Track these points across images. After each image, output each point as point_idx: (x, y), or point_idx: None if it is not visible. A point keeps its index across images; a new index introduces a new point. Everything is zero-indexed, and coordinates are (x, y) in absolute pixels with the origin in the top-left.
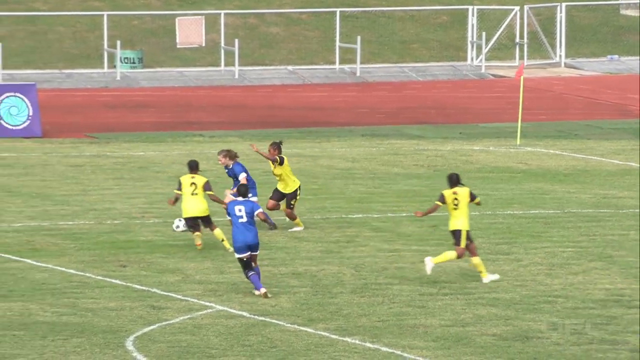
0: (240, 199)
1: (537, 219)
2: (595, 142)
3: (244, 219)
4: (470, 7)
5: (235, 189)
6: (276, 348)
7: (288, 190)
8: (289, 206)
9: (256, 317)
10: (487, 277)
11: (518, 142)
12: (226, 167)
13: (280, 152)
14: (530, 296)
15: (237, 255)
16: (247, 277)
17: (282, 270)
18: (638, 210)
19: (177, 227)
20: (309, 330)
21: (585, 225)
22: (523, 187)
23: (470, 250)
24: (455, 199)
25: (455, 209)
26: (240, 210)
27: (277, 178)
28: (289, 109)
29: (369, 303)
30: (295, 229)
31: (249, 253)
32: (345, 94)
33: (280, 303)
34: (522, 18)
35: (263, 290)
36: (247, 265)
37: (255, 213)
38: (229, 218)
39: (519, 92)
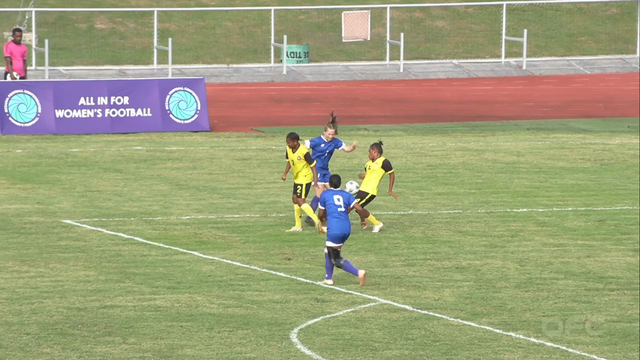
0: (335, 188)
1: None
2: None
3: (342, 209)
4: None
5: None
6: (439, 342)
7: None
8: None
9: (419, 310)
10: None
11: None
12: (325, 141)
13: (381, 152)
14: None
15: (331, 245)
16: (339, 265)
17: (446, 264)
18: None
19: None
20: (472, 324)
21: None
22: None
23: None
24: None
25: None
26: (339, 200)
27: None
28: (453, 102)
29: (534, 298)
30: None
31: (342, 243)
32: (510, 88)
33: (443, 297)
34: None
35: (362, 272)
36: (337, 254)
37: (352, 205)
38: (322, 207)
39: None
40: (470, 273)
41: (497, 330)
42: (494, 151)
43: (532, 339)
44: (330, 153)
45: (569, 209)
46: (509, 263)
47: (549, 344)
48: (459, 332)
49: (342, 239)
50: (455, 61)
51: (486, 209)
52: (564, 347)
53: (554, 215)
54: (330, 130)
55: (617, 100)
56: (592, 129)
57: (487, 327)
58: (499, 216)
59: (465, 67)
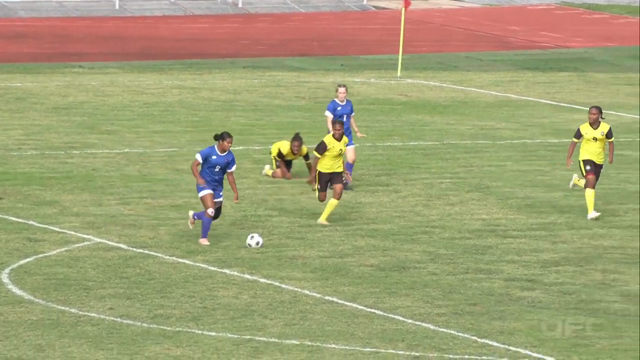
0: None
1: (416, 151)
2: (474, 73)
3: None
4: None
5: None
6: (154, 280)
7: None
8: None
9: (134, 249)
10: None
11: (399, 74)
12: (340, 103)
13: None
14: (408, 227)
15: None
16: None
17: (162, 202)
18: (515, 141)
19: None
20: (187, 262)
21: (463, 156)
22: (403, 119)
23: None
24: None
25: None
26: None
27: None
28: (170, 40)
29: (248, 235)
30: None
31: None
32: (227, 26)
33: (159, 235)
34: None
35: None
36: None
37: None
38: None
39: (400, 24)
40: (187, 211)
41: (212, 268)
42: (211, 89)
43: (247, 276)
44: (348, 116)
45: None
46: (225, 201)
47: (262, 280)
48: (174, 269)
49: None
50: None
51: (203, 146)
52: (277, 283)
53: (270, 153)
54: (342, 89)
55: (331, 38)
56: (307, 67)
57: (202, 265)
58: None
59: (181, 4)
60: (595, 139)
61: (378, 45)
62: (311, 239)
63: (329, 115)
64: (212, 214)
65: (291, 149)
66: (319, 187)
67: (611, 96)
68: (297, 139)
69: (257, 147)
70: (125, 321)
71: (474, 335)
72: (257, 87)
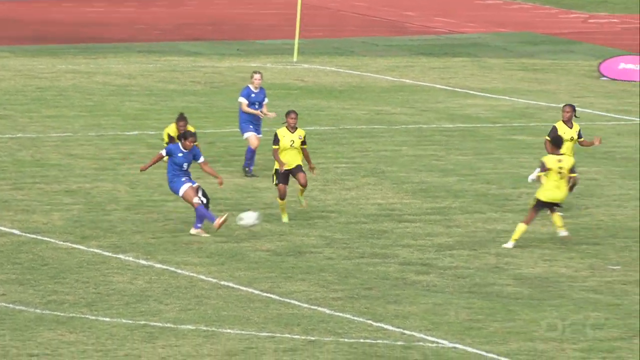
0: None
1: (312, 136)
2: (370, 58)
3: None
4: None
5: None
6: (48, 265)
7: None
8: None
9: (27, 234)
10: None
11: (295, 59)
12: (254, 90)
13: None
14: (304, 212)
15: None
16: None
17: (55, 187)
18: (410, 126)
19: None
20: (81, 247)
21: (359, 141)
22: (299, 104)
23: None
24: None
25: None
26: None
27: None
28: (64, 24)
29: (144, 220)
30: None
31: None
32: (123, 10)
33: (52, 221)
34: None
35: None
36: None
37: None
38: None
39: (296, 9)
40: (80, 196)
41: (107, 253)
42: (105, 73)
43: (142, 261)
44: (261, 104)
45: None
46: (120, 185)
47: (158, 265)
48: (67, 255)
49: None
50: None
51: (97, 131)
52: (173, 268)
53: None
54: (257, 76)
55: (226, 23)
56: (202, 52)
57: (97, 250)
58: (110, 139)
59: None
60: (572, 138)
61: (274, 30)
62: (207, 224)
63: (243, 101)
64: (200, 201)
65: (177, 129)
66: (277, 182)
67: (504, 81)
68: (181, 119)
69: (151, 132)
70: (17, 307)
71: (369, 319)
72: (152, 72)
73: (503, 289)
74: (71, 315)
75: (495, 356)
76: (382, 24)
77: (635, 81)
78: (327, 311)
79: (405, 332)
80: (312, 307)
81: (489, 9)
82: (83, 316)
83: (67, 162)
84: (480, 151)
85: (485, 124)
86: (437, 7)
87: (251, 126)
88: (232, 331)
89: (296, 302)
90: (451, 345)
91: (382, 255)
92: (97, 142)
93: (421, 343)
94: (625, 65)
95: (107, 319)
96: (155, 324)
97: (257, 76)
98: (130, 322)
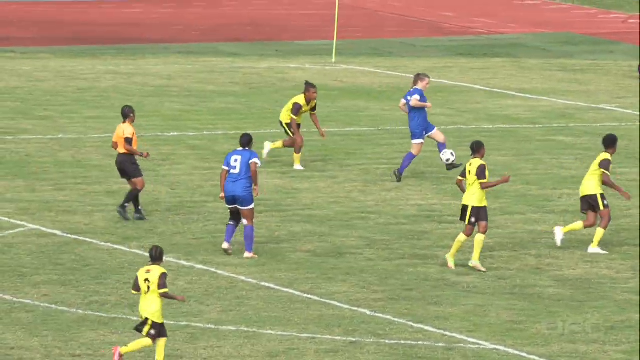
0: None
1: (352, 137)
2: (408, 59)
3: (237, 171)
4: None
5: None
6: (90, 266)
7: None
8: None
9: (69, 235)
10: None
11: (333, 60)
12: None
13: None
14: (344, 212)
15: (226, 205)
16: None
17: (97, 188)
18: (449, 127)
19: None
20: (123, 248)
21: (399, 142)
22: (338, 105)
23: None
24: None
25: None
26: (235, 161)
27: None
28: (103, 25)
29: (184, 221)
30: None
31: (234, 205)
32: (161, 11)
33: (94, 221)
34: None
35: (225, 245)
36: (234, 216)
37: (251, 162)
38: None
39: (334, 10)
40: (121, 197)
41: (146, 254)
42: (144, 74)
43: (183, 262)
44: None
45: (219, 132)
46: (160, 187)
47: (199, 266)
48: (109, 256)
49: (230, 200)
50: None
51: (137, 133)
52: (214, 269)
53: (205, 139)
54: (427, 80)
55: (265, 24)
56: (241, 53)
57: (138, 251)
58: (150, 140)
59: None
60: None
61: (312, 31)
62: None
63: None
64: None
65: (306, 97)
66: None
67: (544, 82)
68: (311, 85)
69: (191, 134)
70: (60, 308)
71: (410, 321)
72: (191, 73)
73: (544, 290)
74: (113, 316)
75: (537, 358)
76: (421, 24)
77: None
78: (368, 312)
79: (446, 333)
80: (353, 308)
81: (528, 10)
82: (125, 317)
83: (108, 162)
84: (520, 152)
85: (524, 125)
86: (475, 7)
87: (424, 132)
88: (273, 332)
89: (337, 304)
90: (492, 346)
91: (423, 256)
92: (138, 143)
93: (462, 345)
94: None
95: None
96: (196, 324)
97: (427, 80)
98: (172, 322)
